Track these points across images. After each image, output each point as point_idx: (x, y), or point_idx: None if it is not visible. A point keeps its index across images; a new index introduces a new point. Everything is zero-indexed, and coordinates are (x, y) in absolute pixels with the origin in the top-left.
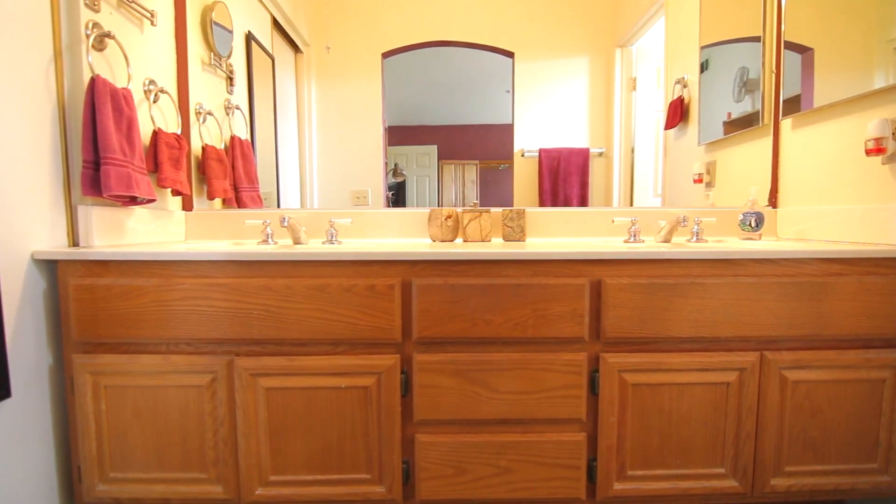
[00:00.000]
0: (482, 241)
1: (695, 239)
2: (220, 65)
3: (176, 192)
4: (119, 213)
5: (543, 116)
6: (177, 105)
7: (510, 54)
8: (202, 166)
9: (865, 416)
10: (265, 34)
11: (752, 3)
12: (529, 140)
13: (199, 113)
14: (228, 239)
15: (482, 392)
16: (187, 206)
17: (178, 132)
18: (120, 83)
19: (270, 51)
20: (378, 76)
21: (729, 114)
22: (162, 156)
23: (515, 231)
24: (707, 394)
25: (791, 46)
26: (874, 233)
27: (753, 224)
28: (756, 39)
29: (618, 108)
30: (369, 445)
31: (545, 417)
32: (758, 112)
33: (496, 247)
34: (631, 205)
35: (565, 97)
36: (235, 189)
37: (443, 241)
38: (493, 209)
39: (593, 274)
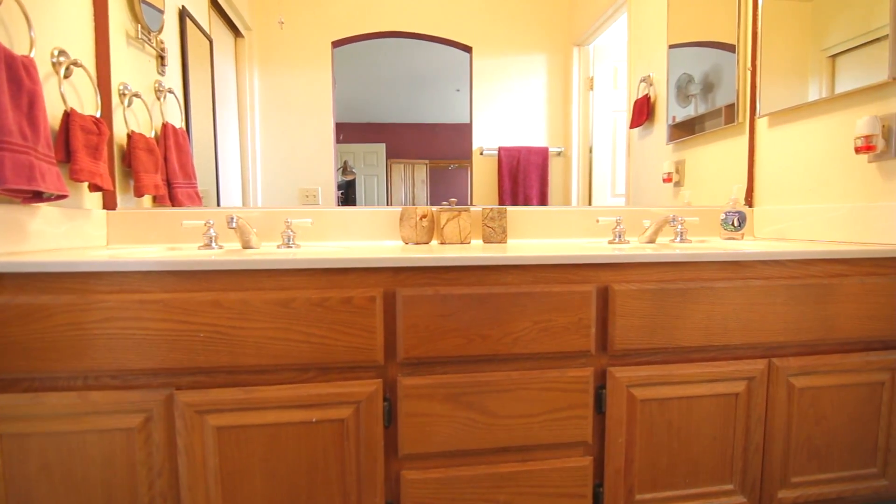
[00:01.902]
0: (461, 243)
1: (679, 239)
2: (150, 40)
3: (95, 188)
4: (18, 211)
5: (502, 114)
6: (95, 82)
7: (468, 49)
8: (128, 157)
9: (866, 420)
10: (202, 12)
11: (716, 3)
12: (487, 138)
13: (124, 94)
14: (161, 243)
15: (479, 418)
16: (109, 203)
17: (98, 115)
18: (19, 50)
19: (208, 31)
20: (328, 66)
21: (674, 117)
22: (76, 142)
23: (497, 232)
24: (716, 406)
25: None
26: (861, 231)
27: (736, 223)
28: (707, 45)
29: (576, 108)
30: (346, 488)
31: (548, 442)
32: (701, 116)
33: (486, 249)
34: (589, 204)
35: (523, 95)
36: (169, 185)
37: (417, 243)
38: (472, 208)
39: (599, 279)
